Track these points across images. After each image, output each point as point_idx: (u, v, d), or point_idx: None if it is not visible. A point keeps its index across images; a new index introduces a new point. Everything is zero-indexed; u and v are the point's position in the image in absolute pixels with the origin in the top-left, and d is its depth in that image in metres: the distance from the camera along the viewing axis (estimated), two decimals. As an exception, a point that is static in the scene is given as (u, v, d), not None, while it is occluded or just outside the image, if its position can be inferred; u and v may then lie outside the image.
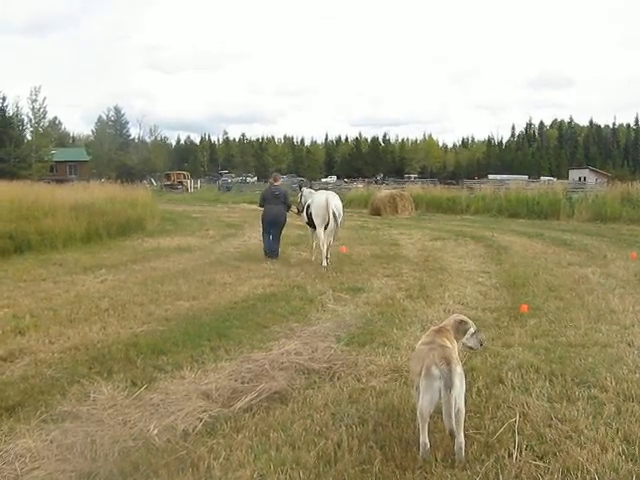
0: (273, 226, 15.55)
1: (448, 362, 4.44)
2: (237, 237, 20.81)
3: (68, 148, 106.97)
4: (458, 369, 4.47)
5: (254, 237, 20.33)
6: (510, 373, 6.38)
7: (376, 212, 32.88)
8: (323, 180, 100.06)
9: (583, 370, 6.51)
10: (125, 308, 9.44)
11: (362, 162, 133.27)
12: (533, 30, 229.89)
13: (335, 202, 14.14)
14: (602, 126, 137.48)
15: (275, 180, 16.43)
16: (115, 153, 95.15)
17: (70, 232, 17.87)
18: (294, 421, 5.24)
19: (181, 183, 79.62)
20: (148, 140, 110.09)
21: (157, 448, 4.76)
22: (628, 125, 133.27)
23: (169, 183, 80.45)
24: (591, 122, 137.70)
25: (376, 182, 75.67)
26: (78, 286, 11.29)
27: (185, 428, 5.09)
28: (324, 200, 14.06)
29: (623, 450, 4.66)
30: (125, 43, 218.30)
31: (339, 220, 14.29)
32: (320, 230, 14.02)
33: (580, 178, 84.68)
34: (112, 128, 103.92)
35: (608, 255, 15.47)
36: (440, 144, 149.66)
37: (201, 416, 5.30)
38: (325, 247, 13.90)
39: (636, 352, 7.23)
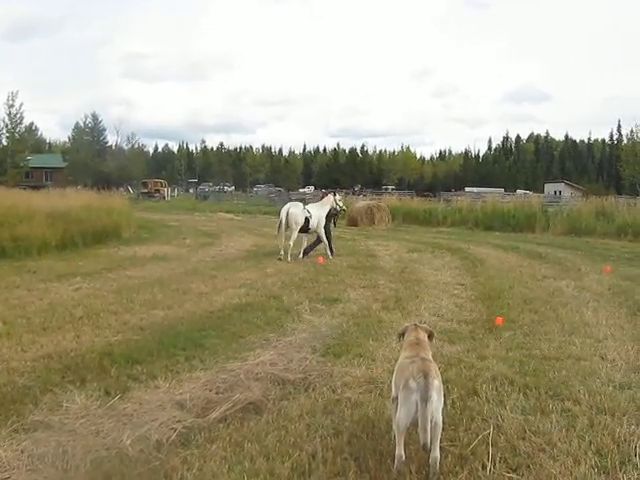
0: None
1: (426, 375, 4.44)
2: (214, 246, 20.72)
3: (44, 154, 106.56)
4: (436, 382, 4.47)
5: (231, 246, 20.41)
6: (485, 385, 6.41)
7: (353, 223, 32.90)
8: (301, 190, 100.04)
9: (557, 383, 6.56)
10: (100, 317, 9.35)
11: (340, 173, 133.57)
12: (512, 45, 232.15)
13: (292, 210, 17.03)
14: (578, 141, 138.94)
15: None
16: (92, 160, 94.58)
17: (45, 239, 17.69)
18: (268, 432, 5.22)
19: (158, 191, 79.27)
20: (125, 147, 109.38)
21: (130, 458, 4.71)
22: (603, 141, 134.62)
23: (146, 191, 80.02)
24: (567, 137, 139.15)
25: (353, 193, 75.80)
26: (52, 294, 11.17)
27: (159, 438, 5.05)
28: (284, 208, 17.30)
29: (595, 463, 4.69)
30: (105, 50, 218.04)
31: (292, 226, 16.86)
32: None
33: (555, 192, 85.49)
34: (89, 135, 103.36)
35: (582, 268, 15.63)
36: (418, 156, 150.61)
37: (175, 426, 5.27)
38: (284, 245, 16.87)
39: (609, 365, 7.30)
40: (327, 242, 17.64)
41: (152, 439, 5.03)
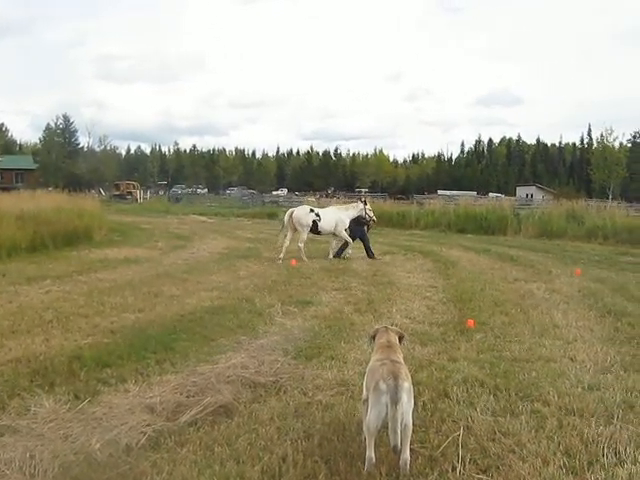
0: None
1: (396, 377, 4.45)
2: (186, 249, 20.61)
3: (15, 155, 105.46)
4: (406, 384, 4.48)
5: (203, 249, 20.31)
6: (455, 387, 6.44)
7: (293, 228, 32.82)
8: (274, 193, 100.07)
9: (527, 384, 6.61)
10: (69, 320, 9.25)
11: (313, 175, 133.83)
12: (484, 49, 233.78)
13: (296, 213, 18.00)
14: (549, 145, 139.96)
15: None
16: (63, 162, 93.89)
17: (15, 241, 17.49)
18: (239, 435, 5.19)
19: (130, 193, 78.82)
20: (97, 149, 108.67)
21: (99, 463, 4.66)
22: (574, 144, 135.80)
23: (118, 193, 79.51)
24: (538, 140, 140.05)
25: (327, 195, 75.95)
26: (21, 297, 11.03)
27: (128, 442, 5.00)
28: (290, 210, 18.51)
29: (564, 463, 4.73)
30: (77, 51, 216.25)
31: (298, 228, 17.85)
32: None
33: (527, 195, 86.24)
34: (61, 136, 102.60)
35: (553, 271, 15.77)
36: (391, 159, 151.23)
37: (145, 430, 5.22)
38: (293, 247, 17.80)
39: (578, 367, 7.37)
40: (350, 241, 18.39)
41: (121, 443, 4.98)
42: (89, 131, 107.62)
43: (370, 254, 18.46)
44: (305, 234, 17.87)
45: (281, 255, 17.22)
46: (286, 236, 17.85)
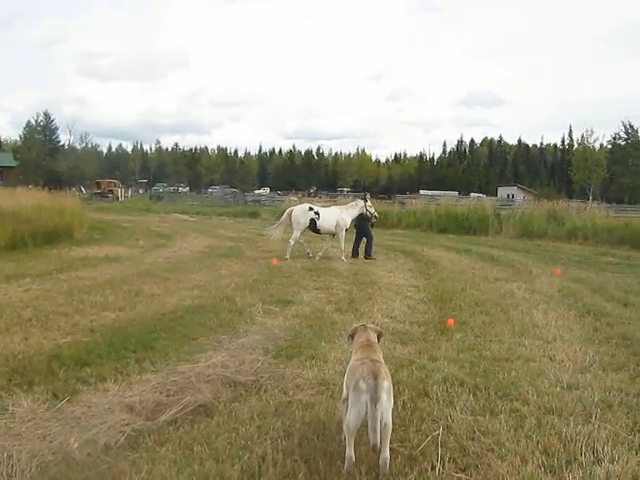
0: None
1: (376, 376, 4.46)
2: (167, 247, 20.51)
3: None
4: (385, 383, 4.48)
5: (185, 248, 20.24)
6: (435, 387, 6.46)
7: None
8: (256, 192, 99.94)
9: (506, 384, 6.64)
10: (49, 318, 9.17)
11: (295, 175, 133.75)
12: (465, 50, 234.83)
13: (294, 211, 18.31)
14: (530, 145, 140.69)
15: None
16: (44, 159, 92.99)
17: (-6, 239, 17.35)
18: (219, 434, 5.18)
19: (111, 191, 78.20)
20: (78, 147, 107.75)
21: (77, 463, 4.63)
22: (555, 145, 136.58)
23: (99, 191, 78.87)
24: (520, 141, 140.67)
25: (309, 195, 75.90)
26: (0, 295, 10.92)
27: (107, 442, 4.98)
28: (289, 208, 18.99)
29: (542, 462, 4.76)
30: (58, 48, 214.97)
31: (293, 225, 18.14)
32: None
33: (508, 195, 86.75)
34: (41, 134, 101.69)
35: (533, 271, 15.87)
36: (373, 159, 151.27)
37: (124, 429, 5.19)
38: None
39: (557, 366, 7.43)
40: (343, 244, 18.39)
41: (100, 442, 4.96)
42: (70, 128, 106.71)
43: (368, 253, 18.52)
44: (298, 232, 18.05)
45: (287, 256, 17.69)
46: (281, 230, 18.62)
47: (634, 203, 69.50)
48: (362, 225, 19.00)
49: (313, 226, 18.10)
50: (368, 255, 18.45)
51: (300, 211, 18.27)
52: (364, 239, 19.01)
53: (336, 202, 37.97)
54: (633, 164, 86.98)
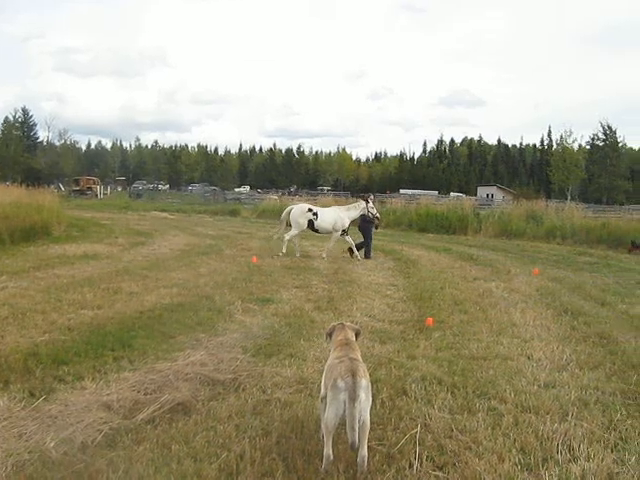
0: None
1: (354, 374, 4.47)
2: (146, 245, 20.41)
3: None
4: (363, 382, 4.49)
5: (164, 246, 20.15)
6: (414, 385, 6.50)
7: (288, 223, 32.88)
8: (236, 190, 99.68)
9: (484, 382, 6.69)
10: (26, 316, 9.09)
11: (276, 173, 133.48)
12: (446, 50, 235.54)
13: (293, 211, 18.60)
14: (510, 145, 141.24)
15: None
16: (22, 156, 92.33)
17: (-30, 236, 17.17)
18: (197, 433, 5.17)
19: (90, 189, 77.62)
20: (57, 143, 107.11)
21: (53, 461, 4.60)
22: (534, 145, 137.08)
23: (78, 188, 78.17)
24: (499, 141, 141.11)
25: (289, 193, 75.82)
26: (-23, 293, 10.84)
27: (84, 440, 4.95)
28: (288, 208, 19.19)
29: (519, 460, 4.81)
30: (36, 44, 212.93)
31: (292, 224, 18.44)
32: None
33: (488, 195, 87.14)
34: (19, 130, 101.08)
35: (512, 270, 15.98)
36: (354, 158, 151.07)
37: (101, 428, 5.17)
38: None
39: (535, 365, 7.49)
40: (333, 244, 18.71)
41: (77, 441, 4.93)
42: (49, 125, 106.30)
43: (367, 254, 18.55)
44: (296, 231, 18.41)
45: (283, 250, 18.09)
46: (285, 230, 18.73)
47: (612, 203, 70.29)
48: (365, 227, 19.04)
49: (311, 226, 18.36)
50: (368, 255, 18.53)
51: (299, 212, 18.53)
52: (372, 239, 19.13)
53: (316, 201, 38.10)
54: (611, 165, 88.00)
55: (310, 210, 18.51)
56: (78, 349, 7.44)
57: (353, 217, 18.88)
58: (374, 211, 19.02)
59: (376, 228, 19.54)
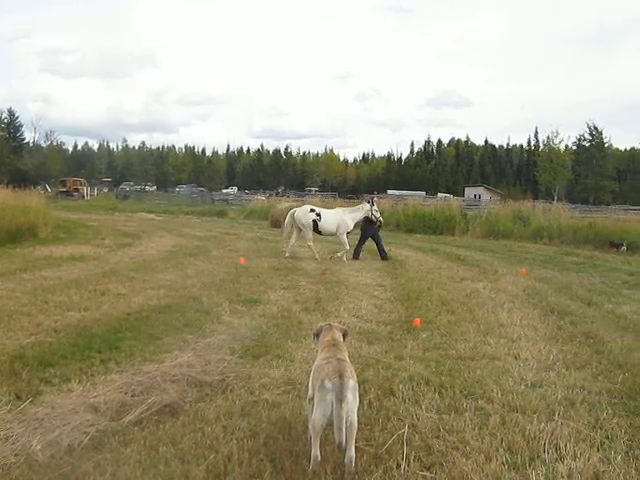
0: None
1: (341, 375, 4.47)
2: (133, 247, 20.30)
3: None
4: (351, 382, 4.50)
5: (151, 247, 20.08)
6: (401, 385, 6.50)
7: (276, 224, 32.91)
8: (224, 191, 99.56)
9: (471, 382, 6.70)
10: (12, 318, 9.02)
11: (263, 174, 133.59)
12: (433, 51, 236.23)
13: (296, 213, 18.57)
14: (497, 146, 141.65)
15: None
16: (8, 157, 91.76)
17: (-44, 238, 17.05)
18: (184, 435, 5.16)
19: (77, 190, 77.33)
20: (43, 145, 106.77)
21: (40, 464, 4.57)
22: (521, 146, 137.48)
23: (65, 190, 77.79)
24: (486, 142, 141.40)
25: (277, 194, 75.82)
26: (-38, 295, 10.77)
27: (70, 443, 4.92)
28: (291, 211, 19.13)
29: (506, 459, 4.82)
30: (23, 44, 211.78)
31: (299, 227, 18.40)
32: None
33: (475, 195, 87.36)
34: (5, 131, 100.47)
35: (499, 270, 16.04)
36: (341, 158, 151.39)
37: (88, 430, 5.14)
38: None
39: (522, 364, 7.51)
40: (347, 247, 18.51)
41: (63, 444, 4.90)
42: (35, 126, 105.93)
43: (383, 254, 18.56)
44: (309, 233, 18.43)
45: (287, 254, 18.23)
46: (292, 234, 18.59)
47: (598, 204, 70.60)
48: (368, 228, 18.97)
49: (315, 227, 18.36)
50: (384, 255, 18.56)
51: (302, 213, 18.58)
52: (366, 241, 19.10)
53: (304, 201, 38.08)
54: (597, 165, 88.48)
55: (313, 210, 18.58)
56: (65, 351, 7.39)
57: (357, 219, 18.89)
58: (378, 214, 18.98)
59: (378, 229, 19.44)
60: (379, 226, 19.32)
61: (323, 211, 18.85)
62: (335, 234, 18.62)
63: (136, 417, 5.49)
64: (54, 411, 5.52)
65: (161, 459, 4.71)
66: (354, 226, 18.98)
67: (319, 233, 18.74)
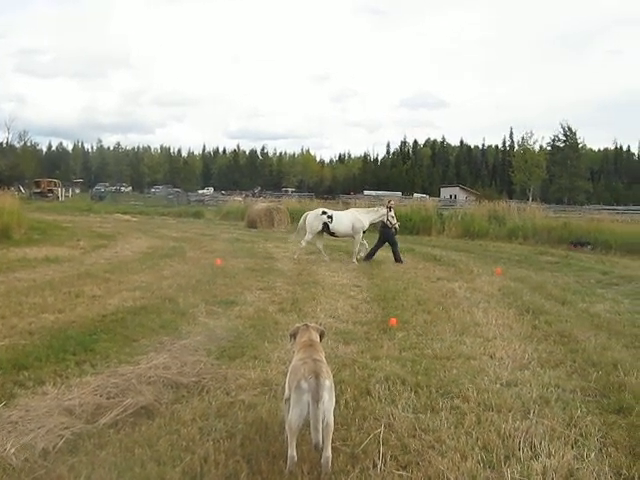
0: None
1: (317, 375, 4.48)
2: (109, 248, 20.17)
3: None
4: (327, 383, 4.52)
5: (127, 248, 19.96)
6: (377, 385, 6.53)
7: (252, 225, 32.94)
8: (200, 192, 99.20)
9: (447, 381, 6.74)
10: (-15, 321, 8.96)
11: (240, 175, 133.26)
12: (409, 52, 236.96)
13: (308, 216, 18.67)
14: (472, 147, 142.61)
15: None
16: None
17: None
18: (160, 436, 5.13)
19: (51, 191, 76.50)
20: (17, 145, 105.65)
21: (14, 468, 4.54)
22: (496, 146, 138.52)
23: (39, 191, 76.91)
24: (462, 142, 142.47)
25: (253, 195, 75.70)
26: None
27: (45, 446, 4.88)
28: (305, 214, 19.17)
29: (482, 458, 4.85)
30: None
31: (307, 229, 18.44)
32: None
33: (451, 196, 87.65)
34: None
35: (475, 270, 16.14)
36: (318, 159, 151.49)
37: (63, 433, 5.10)
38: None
39: (497, 364, 7.56)
40: (358, 248, 18.56)
41: (38, 447, 4.86)
42: (8, 126, 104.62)
43: (398, 258, 18.38)
44: (310, 235, 18.43)
45: (325, 258, 18.39)
46: (303, 237, 18.61)
47: (572, 204, 71.12)
48: (387, 233, 18.74)
49: (327, 229, 18.39)
50: (399, 260, 18.33)
51: (313, 215, 18.65)
52: (382, 245, 18.94)
53: (280, 202, 38.07)
54: (571, 165, 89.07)
55: (324, 213, 18.58)
56: (39, 354, 7.33)
57: (372, 220, 18.87)
58: (394, 221, 18.80)
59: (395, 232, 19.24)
60: (395, 232, 19.16)
61: (335, 213, 18.90)
62: (350, 234, 18.62)
63: (111, 419, 5.45)
64: (28, 414, 5.47)
65: (137, 461, 4.69)
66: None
67: (332, 235, 18.79)
